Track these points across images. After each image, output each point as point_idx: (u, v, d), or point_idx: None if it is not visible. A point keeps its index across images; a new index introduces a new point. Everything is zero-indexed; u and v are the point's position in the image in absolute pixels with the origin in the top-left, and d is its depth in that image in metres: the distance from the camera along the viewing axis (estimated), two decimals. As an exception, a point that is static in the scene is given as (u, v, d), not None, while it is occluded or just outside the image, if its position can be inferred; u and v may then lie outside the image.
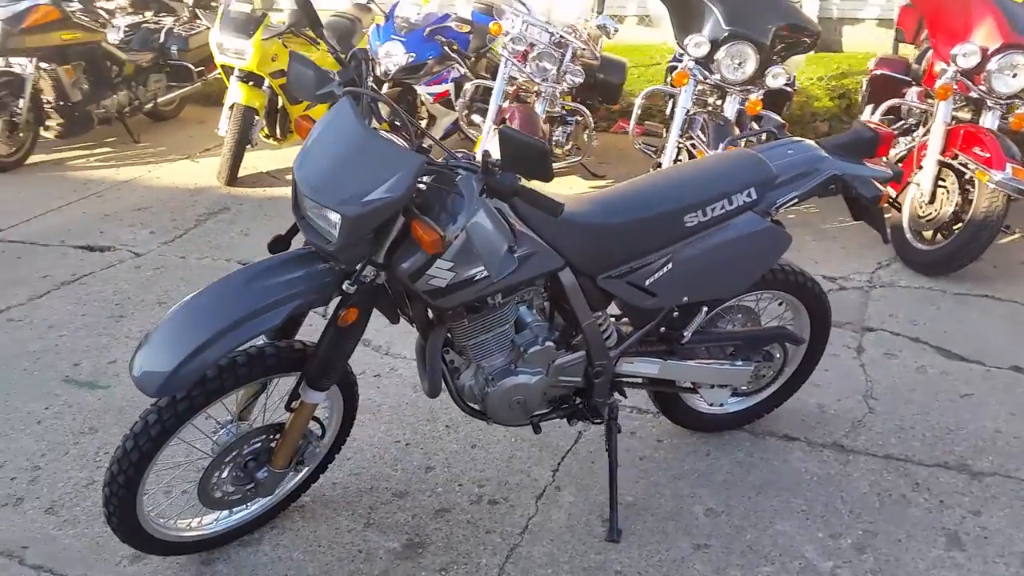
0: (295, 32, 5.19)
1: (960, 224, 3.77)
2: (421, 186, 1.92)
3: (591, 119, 4.86)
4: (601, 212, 2.19)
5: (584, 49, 4.70)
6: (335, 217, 1.82)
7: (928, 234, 3.96)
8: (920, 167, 3.93)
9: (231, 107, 5.05)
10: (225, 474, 2.13)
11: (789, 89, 4.95)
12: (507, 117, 4.35)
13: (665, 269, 2.27)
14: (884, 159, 2.55)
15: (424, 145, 1.91)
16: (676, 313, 2.42)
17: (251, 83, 5.09)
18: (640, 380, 2.51)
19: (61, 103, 5.66)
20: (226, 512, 2.28)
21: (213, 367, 1.89)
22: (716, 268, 2.32)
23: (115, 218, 4.67)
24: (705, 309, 2.44)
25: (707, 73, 4.20)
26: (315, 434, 2.26)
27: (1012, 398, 3.01)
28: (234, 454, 2.11)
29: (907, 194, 4.03)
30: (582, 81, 4.60)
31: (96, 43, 5.77)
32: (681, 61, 4.28)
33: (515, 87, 4.70)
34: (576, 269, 2.20)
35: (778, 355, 2.68)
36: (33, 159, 5.67)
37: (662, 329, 2.43)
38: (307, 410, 2.12)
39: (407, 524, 2.42)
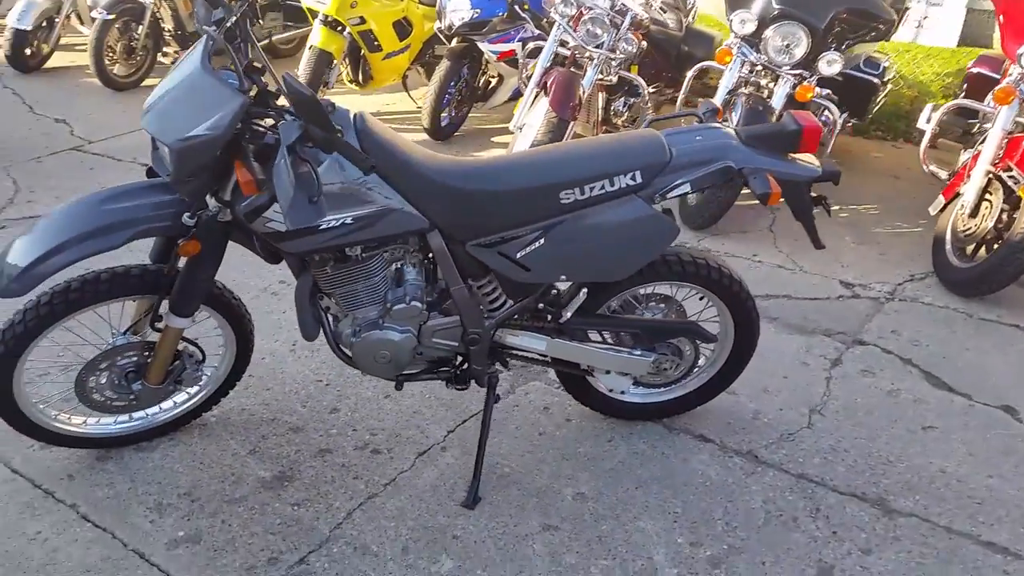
0: (377, -20, 5.32)
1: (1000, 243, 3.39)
2: (261, 129, 1.99)
3: (647, 93, 4.69)
4: (474, 178, 2.17)
5: (646, 18, 4.54)
6: (165, 150, 1.93)
7: (969, 250, 3.58)
8: (969, 176, 3.55)
9: (309, 48, 5.28)
10: (104, 380, 2.31)
11: (875, 80, 4.58)
12: (548, 81, 4.30)
13: (537, 244, 2.22)
14: (817, 155, 2.35)
15: (266, 87, 1.97)
16: (556, 291, 2.36)
17: (332, 27, 5.29)
18: (530, 355, 2.48)
19: (178, 32, 6.11)
20: (123, 417, 2.48)
21: (60, 276, 2.04)
22: (593, 250, 2.24)
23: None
24: (585, 291, 2.37)
25: (754, 53, 3.95)
26: (193, 357, 2.40)
27: (979, 439, 2.72)
28: (108, 363, 2.29)
29: (953, 205, 3.65)
30: (635, 51, 4.45)
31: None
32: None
33: (571, 51, 4.61)
34: (445, 234, 2.19)
35: (688, 351, 2.56)
36: (149, 82, 6.17)
37: (540, 305, 2.38)
38: (171, 333, 2.27)
39: (286, 458, 2.54)
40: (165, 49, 6.17)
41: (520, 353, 2.47)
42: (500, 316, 2.34)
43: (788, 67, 3.92)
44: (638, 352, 2.48)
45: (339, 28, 5.30)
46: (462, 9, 4.84)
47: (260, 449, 2.56)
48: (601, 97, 4.77)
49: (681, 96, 4.48)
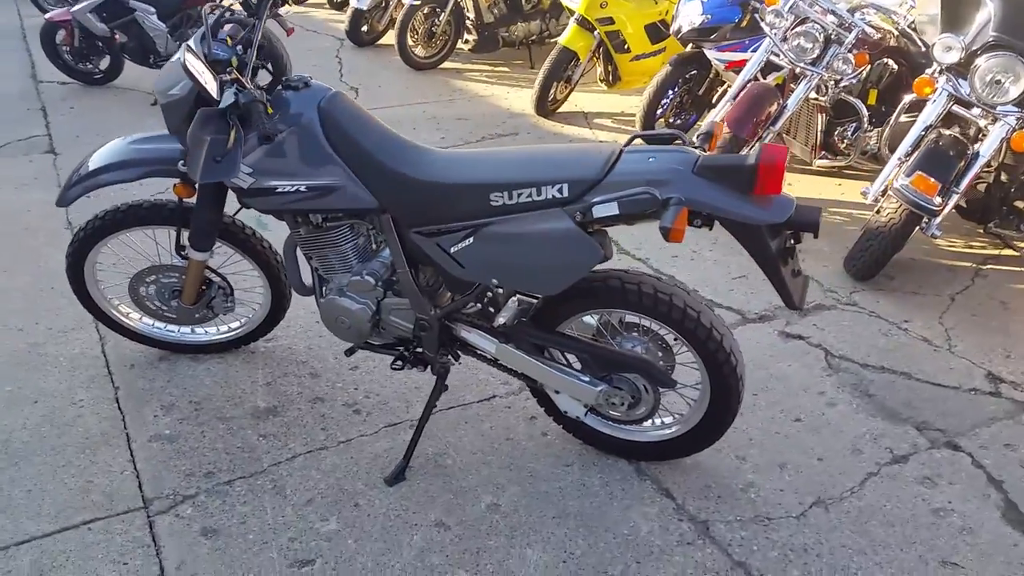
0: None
1: None
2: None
3: (866, 118, 4.14)
4: (422, 167, 2.23)
5: (884, 35, 4.02)
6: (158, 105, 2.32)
7: None
8: None
9: (556, 44, 5.50)
10: (152, 290, 2.80)
11: None
12: (742, 93, 4.04)
13: (468, 241, 2.22)
14: (788, 198, 2.01)
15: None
16: (491, 294, 2.33)
17: (583, 27, 5.43)
18: (482, 355, 2.48)
19: (478, 22, 6.70)
20: (173, 328, 2.97)
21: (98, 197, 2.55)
22: (517, 258, 2.18)
23: (435, 120, 5.56)
24: (517, 299, 2.30)
25: (964, 86, 3.32)
26: (220, 288, 2.78)
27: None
28: (154, 276, 2.76)
29: None
30: (852, 74, 3.96)
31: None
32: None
33: (791, 66, 4.25)
34: (394, 217, 2.30)
35: (646, 392, 2.34)
36: (446, 65, 6.86)
37: (479, 306, 2.36)
38: (193, 263, 2.66)
39: (286, 395, 2.83)
40: (467, 36, 6.77)
41: (473, 350, 2.47)
42: (446, 309, 2.38)
43: (1006, 106, 3.22)
44: (586, 379, 2.34)
45: (591, 28, 5.42)
46: (691, 14, 4.67)
47: (274, 383, 2.89)
48: (820, 119, 4.31)
49: (885, 134, 3.89)
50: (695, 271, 3.67)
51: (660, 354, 2.37)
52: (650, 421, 2.51)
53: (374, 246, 2.47)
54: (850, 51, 3.93)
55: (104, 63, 6.08)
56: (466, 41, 6.82)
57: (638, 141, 2.25)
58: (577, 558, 2.22)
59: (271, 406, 2.77)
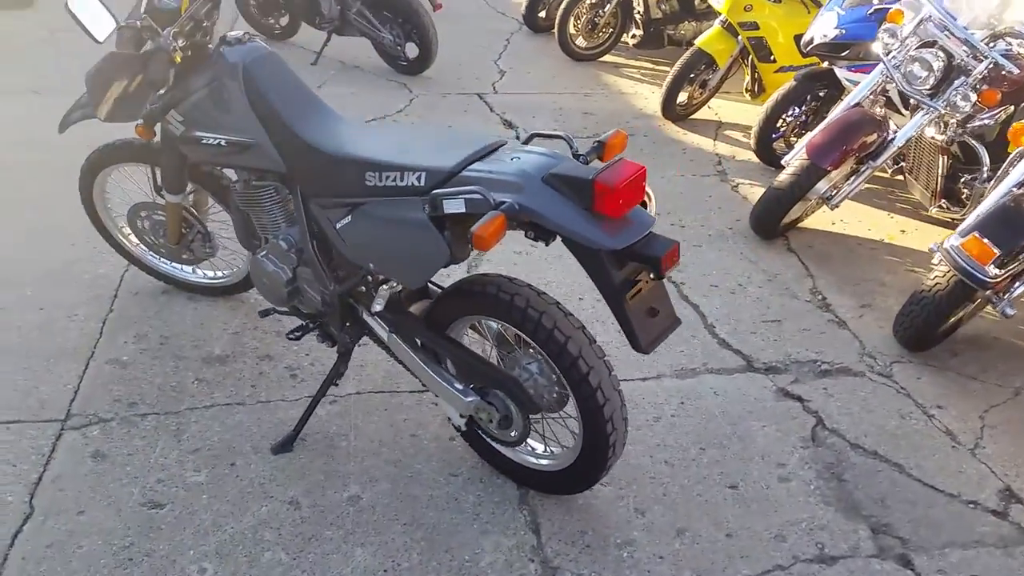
0: (787, -12, 4.89)
1: None
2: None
3: (987, 167, 3.52)
4: (323, 137, 2.20)
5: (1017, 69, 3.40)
6: None
7: None
8: None
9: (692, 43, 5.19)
10: (147, 224, 2.99)
11: None
12: (833, 118, 3.61)
13: (348, 219, 2.17)
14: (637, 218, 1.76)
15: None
16: (370, 278, 2.25)
17: (727, 30, 5.08)
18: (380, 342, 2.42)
19: (646, 17, 6.47)
20: (167, 263, 3.16)
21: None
22: (383, 243, 2.10)
23: (560, 111, 5.45)
24: (387, 287, 2.21)
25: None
26: (200, 233, 2.91)
27: None
28: (146, 212, 2.95)
29: None
30: (970, 112, 3.39)
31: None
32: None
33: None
34: (299, 184, 2.30)
35: (511, 413, 2.17)
36: (608, 58, 6.71)
37: (363, 289, 2.29)
38: (170, 205, 2.80)
39: (243, 347, 2.92)
40: (633, 31, 6.55)
41: (374, 335, 2.41)
42: (343, 287, 2.34)
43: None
44: (459, 387, 2.21)
45: (735, 32, 5.06)
46: (825, 27, 4.20)
47: (240, 334, 3.00)
48: (941, 162, 3.72)
49: (991, 186, 3.28)
50: (727, 304, 3.32)
51: (555, 378, 2.17)
52: (541, 447, 2.33)
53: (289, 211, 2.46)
54: (977, 86, 3.34)
55: (284, 20, 6.55)
56: (633, 36, 6.59)
57: (536, 140, 2.07)
58: (402, 570, 2.11)
59: (224, 354, 2.88)
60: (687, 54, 5.14)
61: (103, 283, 3.23)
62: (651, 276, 1.89)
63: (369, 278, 2.25)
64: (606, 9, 6.40)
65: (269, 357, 2.86)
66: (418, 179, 1.96)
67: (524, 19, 7.32)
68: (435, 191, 1.92)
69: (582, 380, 2.00)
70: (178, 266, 3.14)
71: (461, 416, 2.26)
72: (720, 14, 5.05)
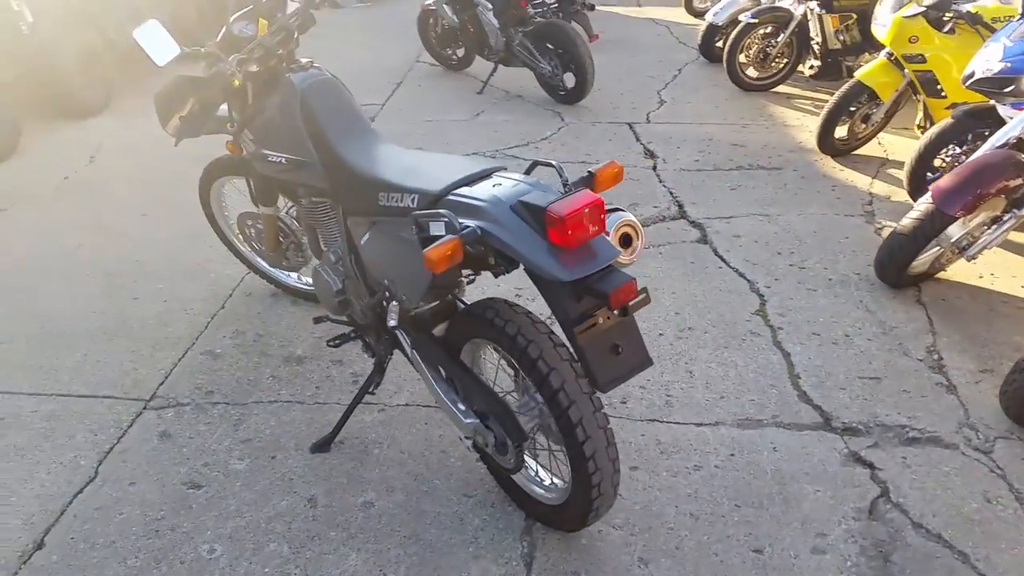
0: (966, 19, 4.45)
1: None
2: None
3: None
4: (355, 155, 2.31)
5: None
6: None
7: None
8: None
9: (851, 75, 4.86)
10: (252, 232, 3.27)
11: None
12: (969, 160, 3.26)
13: (367, 235, 2.27)
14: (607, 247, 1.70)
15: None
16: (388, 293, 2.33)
17: (893, 63, 4.72)
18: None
19: (824, 48, 6.15)
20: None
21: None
22: (387, 260, 2.18)
23: (709, 142, 5.29)
24: (394, 304, 2.26)
25: None
26: (293, 243, 3.13)
27: None
28: (252, 220, 3.22)
29: None
30: None
31: (868, 4, 5.93)
32: None
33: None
34: (343, 201, 2.44)
35: (505, 442, 2.15)
36: (781, 89, 6.43)
37: (384, 303, 2.37)
38: (264, 215, 3.04)
39: (319, 350, 3.10)
40: (812, 62, 6.23)
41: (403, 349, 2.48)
42: (375, 299, 2.43)
43: None
44: (462, 408, 2.22)
45: (898, 64, 4.69)
46: (990, 59, 3.78)
47: (324, 338, 3.19)
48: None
49: None
50: (823, 355, 3.06)
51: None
52: (548, 479, 2.29)
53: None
54: None
55: (461, 51, 6.88)
56: (810, 67, 6.26)
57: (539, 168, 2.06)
58: (378, 581, 2.15)
59: (303, 356, 3.07)
60: (846, 86, 4.82)
61: (224, 283, 3.56)
62: (614, 312, 1.81)
63: (387, 293, 2.32)
64: (779, 39, 6.14)
65: (340, 362, 3.02)
66: (412, 200, 2.01)
67: (700, 49, 7.18)
68: (416, 212, 1.96)
69: (562, 414, 1.94)
70: (281, 272, 3.39)
71: (467, 438, 2.26)
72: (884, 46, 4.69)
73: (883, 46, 4.75)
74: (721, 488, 2.44)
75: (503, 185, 1.90)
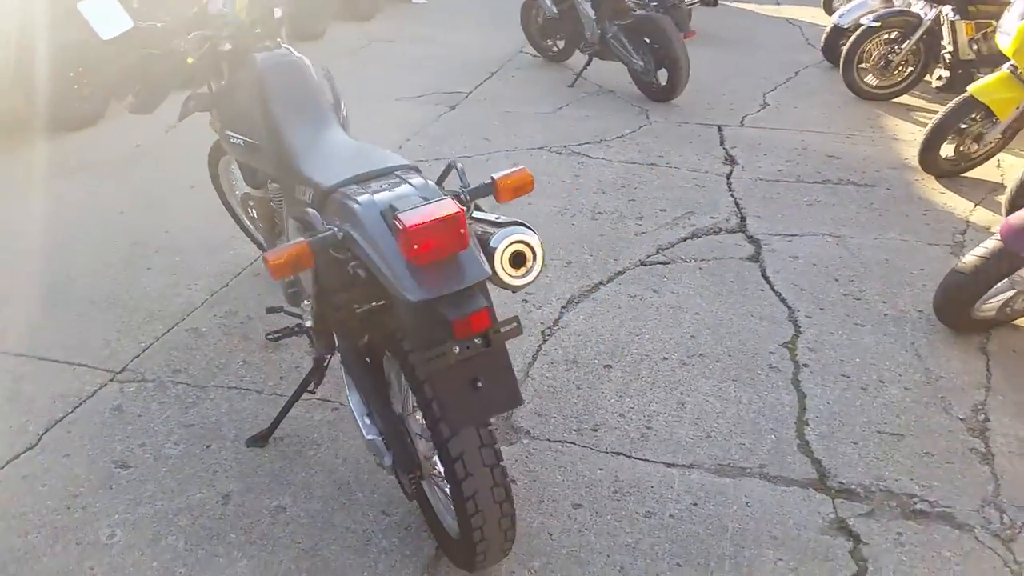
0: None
1: None
2: None
3: None
4: (297, 143, 2.17)
5: None
6: None
7: None
8: None
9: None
10: (253, 212, 3.19)
11: None
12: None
13: (296, 227, 2.12)
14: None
15: None
16: None
17: (1017, 77, 4.12)
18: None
19: (955, 57, 5.51)
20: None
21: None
22: None
23: (802, 151, 4.83)
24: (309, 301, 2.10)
25: None
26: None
27: None
28: (252, 201, 3.13)
29: None
30: None
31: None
32: None
33: None
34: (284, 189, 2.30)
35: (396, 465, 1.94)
36: (904, 99, 5.82)
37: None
38: (256, 197, 2.93)
39: (307, 342, 3.01)
40: (940, 73, 5.59)
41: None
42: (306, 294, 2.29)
43: None
44: (367, 421, 2.04)
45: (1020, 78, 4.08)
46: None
47: (281, 319, 3.05)
48: None
49: None
50: (844, 401, 2.65)
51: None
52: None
53: None
54: None
55: (560, 43, 6.65)
56: (939, 78, 5.61)
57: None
58: (263, 594, 2.00)
59: (282, 343, 2.97)
60: (956, 101, 4.25)
61: (238, 261, 3.52)
62: (474, 341, 1.56)
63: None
64: (904, 46, 5.54)
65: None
66: (308, 195, 1.85)
67: (823, 51, 6.63)
68: (293, 211, 1.80)
69: (442, 444, 1.71)
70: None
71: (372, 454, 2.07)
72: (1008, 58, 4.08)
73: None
74: (667, 542, 2.12)
75: (390, 188, 1.69)
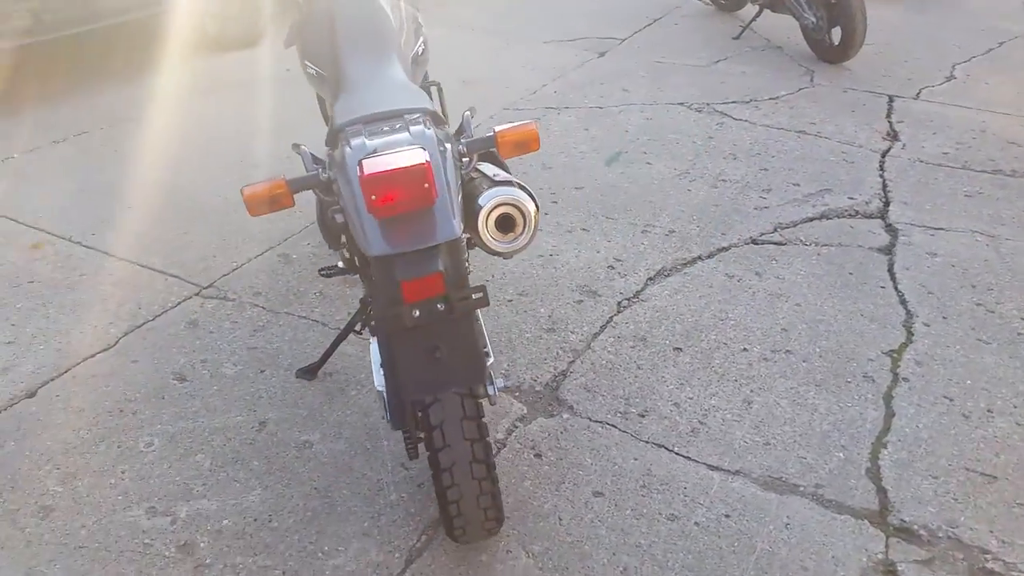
0: None
1: None
2: None
3: None
4: (351, 73, 2.12)
5: None
6: None
7: None
8: None
9: None
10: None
11: None
12: None
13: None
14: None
15: None
16: None
17: None
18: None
19: None
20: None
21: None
22: None
23: (981, 135, 4.25)
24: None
25: None
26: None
27: None
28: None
29: None
30: None
31: None
32: None
33: None
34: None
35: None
36: None
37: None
38: None
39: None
40: None
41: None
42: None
43: None
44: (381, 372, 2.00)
45: None
46: None
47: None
48: None
49: None
50: (936, 427, 2.33)
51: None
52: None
53: None
54: None
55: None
56: None
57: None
58: (269, 528, 2.03)
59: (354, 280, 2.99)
60: None
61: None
62: (436, 306, 1.45)
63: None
64: None
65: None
66: (331, 126, 1.78)
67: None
68: (301, 146, 1.75)
69: (424, 409, 1.64)
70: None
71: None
72: None
73: None
74: (683, 551, 1.96)
75: (389, 132, 1.60)
